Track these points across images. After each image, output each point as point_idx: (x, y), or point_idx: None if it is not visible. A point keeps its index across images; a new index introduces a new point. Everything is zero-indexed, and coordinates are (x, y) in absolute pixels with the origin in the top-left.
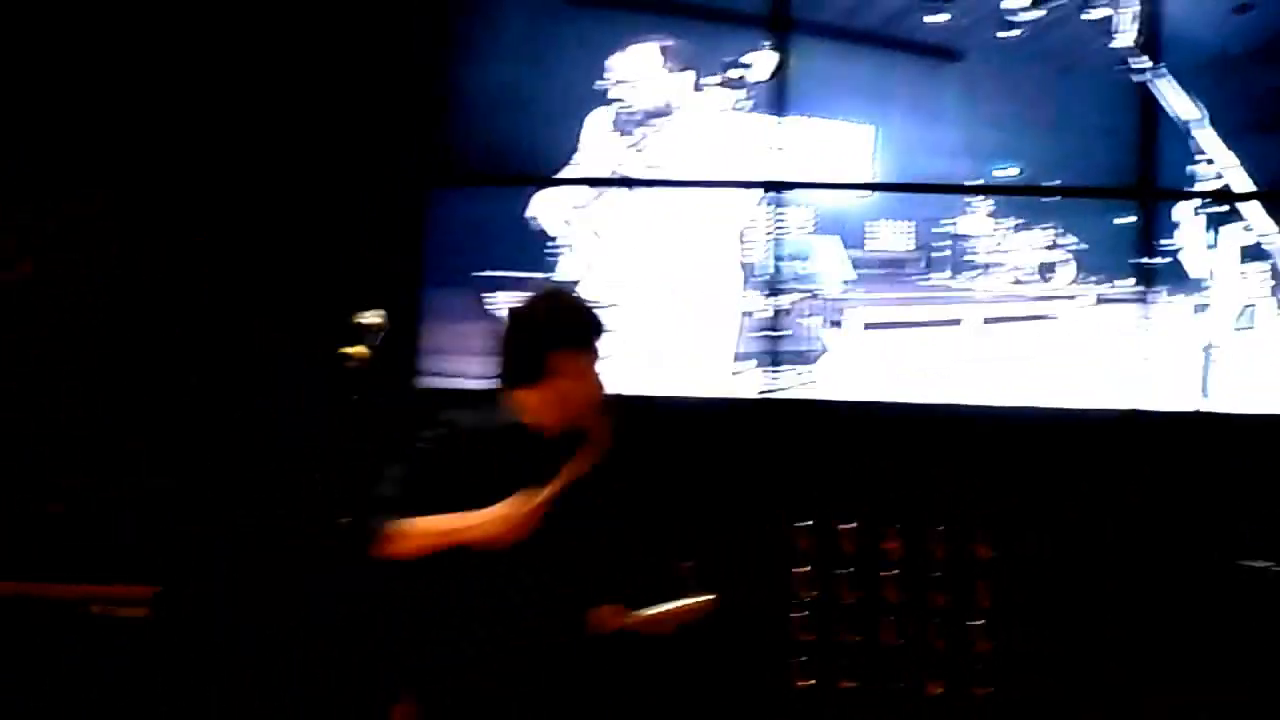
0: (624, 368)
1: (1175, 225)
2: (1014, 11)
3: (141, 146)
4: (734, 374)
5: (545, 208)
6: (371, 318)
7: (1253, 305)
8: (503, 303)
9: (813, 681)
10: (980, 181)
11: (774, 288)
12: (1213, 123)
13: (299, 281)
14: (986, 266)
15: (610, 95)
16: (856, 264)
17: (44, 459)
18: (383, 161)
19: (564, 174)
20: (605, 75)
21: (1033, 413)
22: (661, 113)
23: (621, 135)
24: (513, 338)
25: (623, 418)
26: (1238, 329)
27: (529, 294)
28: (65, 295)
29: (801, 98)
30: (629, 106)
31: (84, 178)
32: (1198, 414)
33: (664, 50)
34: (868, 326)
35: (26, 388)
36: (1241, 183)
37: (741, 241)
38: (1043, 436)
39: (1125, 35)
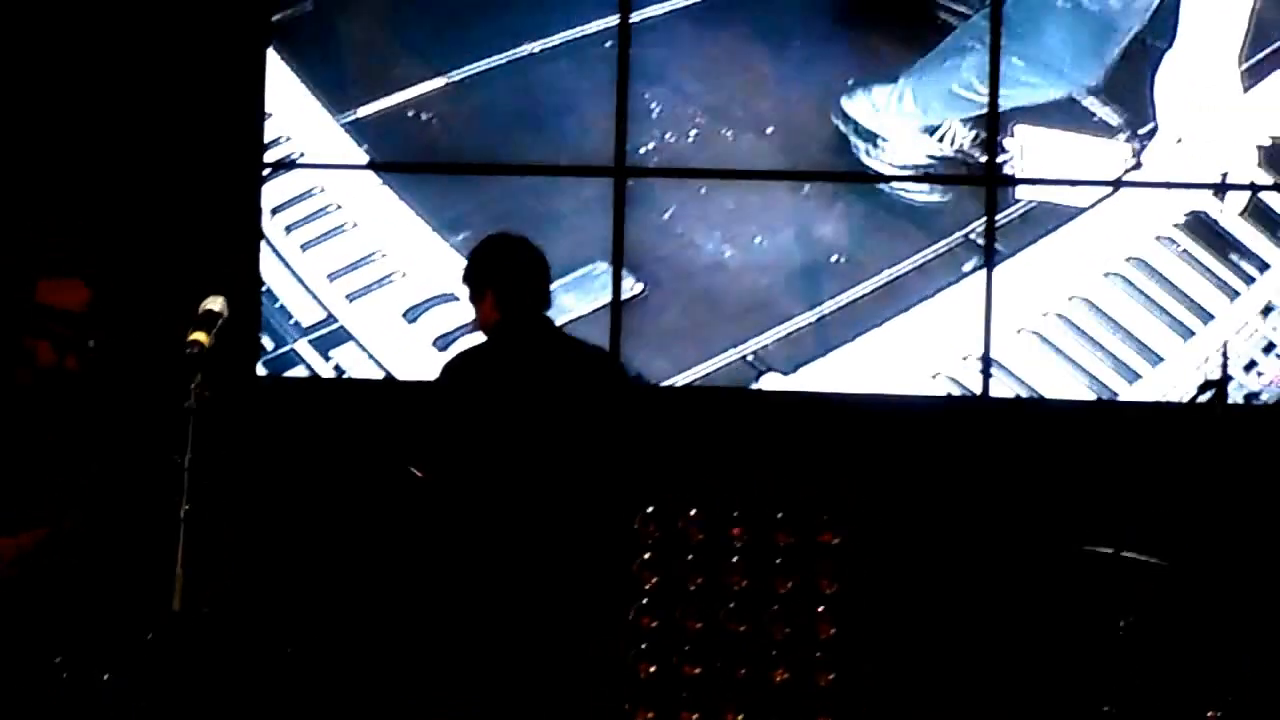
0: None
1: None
2: None
3: None
4: None
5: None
6: (212, 304)
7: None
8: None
9: (655, 668)
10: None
11: None
12: None
13: (141, 267)
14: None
15: None
16: None
17: None
18: (217, 150)
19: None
20: None
21: (876, 399)
22: None
23: None
24: None
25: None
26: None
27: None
28: None
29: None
30: None
31: None
32: (1040, 401)
33: None
34: None
35: None
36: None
37: None
38: (886, 422)
39: None
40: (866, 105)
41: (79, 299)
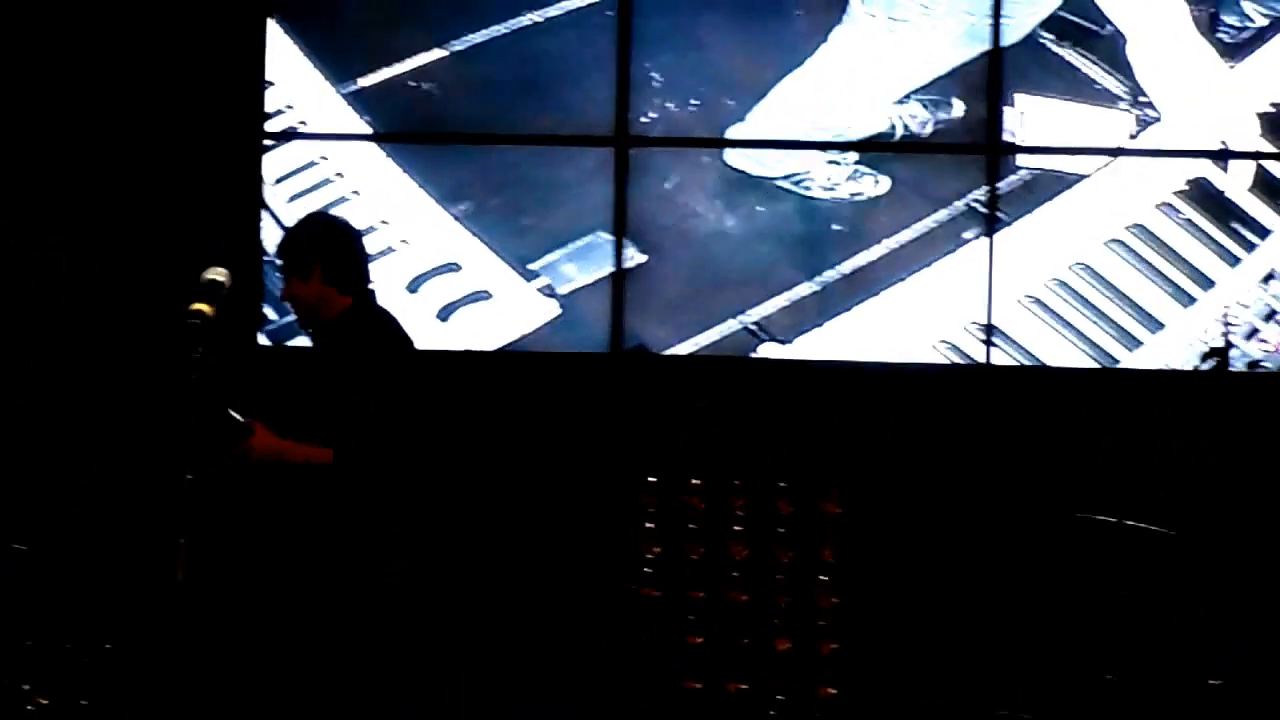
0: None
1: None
2: None
3: None
4: None
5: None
6: (214, 274)
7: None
8: None
9: (658, 638)
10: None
11: None
12: None
13: (142, 238)
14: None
15: None
16: None
17: None
18: (218, 121)
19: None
20: None
21: (878, 367)
22: None
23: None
24: None
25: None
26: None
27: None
28: None
29: None
30: None
31: None
32: (1042, 368)
33: None
34: None
35: None
36: None
37: None
38: (888, 390)
39: None
40: (748, 156)
41: None
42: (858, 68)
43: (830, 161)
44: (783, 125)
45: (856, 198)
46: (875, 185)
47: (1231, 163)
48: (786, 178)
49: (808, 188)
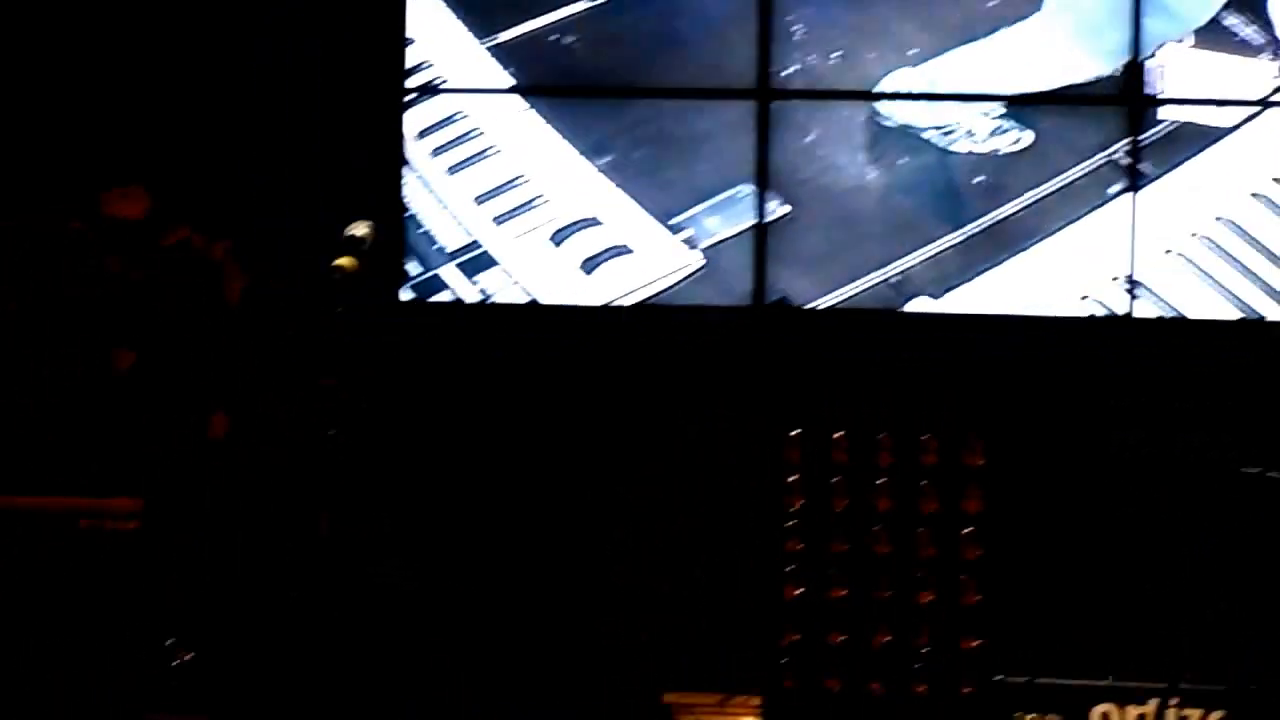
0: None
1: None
2: None
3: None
4: None
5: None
6: (359, 229)
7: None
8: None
9: (802, 590)
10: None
11: None
12: None
13: (284, 191)
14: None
15: None
16: None
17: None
18: (359, 77)
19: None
20: None
21: (1019, 319)
22: None
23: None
24: None
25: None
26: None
27: None
28: None
29: None
30: None
31: None
32: (1183, 320)
33: None
34: None
35: None
36: None
37: None
38: (1035, 341)
39: None
40: (900, 105)
41: (140, 208)
42: (1040, 30)
43: (977, 114)
44: (940, 80)
45: (998, 151)
46: (1018, 138)
47: None
48: (937, 129)
49: (953, 140)
